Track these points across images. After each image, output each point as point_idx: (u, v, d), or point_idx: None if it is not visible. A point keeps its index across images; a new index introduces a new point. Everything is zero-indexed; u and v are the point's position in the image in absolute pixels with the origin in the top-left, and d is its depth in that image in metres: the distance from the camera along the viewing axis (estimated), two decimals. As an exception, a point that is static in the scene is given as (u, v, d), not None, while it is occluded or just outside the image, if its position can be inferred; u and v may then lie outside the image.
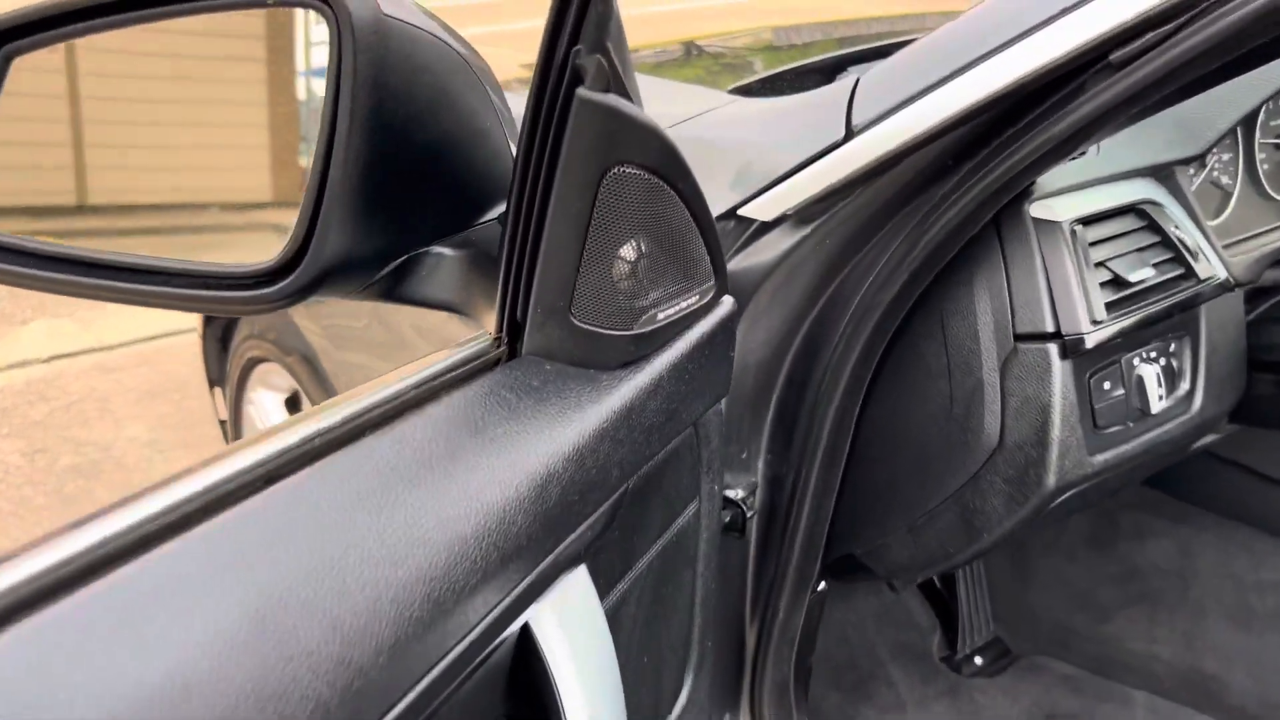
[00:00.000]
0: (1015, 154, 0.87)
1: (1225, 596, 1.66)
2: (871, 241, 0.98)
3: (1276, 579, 1.65)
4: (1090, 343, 1.04)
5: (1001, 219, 1.05)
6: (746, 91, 1.19)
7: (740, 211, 0.99)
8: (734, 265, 1.03)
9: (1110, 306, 1.07)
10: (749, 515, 1.09)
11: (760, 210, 0.98)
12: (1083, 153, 1.19)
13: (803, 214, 0.98)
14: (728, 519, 1.09)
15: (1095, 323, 1.05)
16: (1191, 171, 1.37)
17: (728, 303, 0.76)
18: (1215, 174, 1.46)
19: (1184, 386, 1.22)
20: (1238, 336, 1.32)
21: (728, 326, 0.76)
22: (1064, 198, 1.10)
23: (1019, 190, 0.92)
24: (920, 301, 1.01)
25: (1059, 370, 1.04)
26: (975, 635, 1.74)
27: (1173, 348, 1.20)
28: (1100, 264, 1.09)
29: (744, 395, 1.09)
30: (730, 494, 1.10)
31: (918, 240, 0.94)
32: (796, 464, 1.10)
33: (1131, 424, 1.14)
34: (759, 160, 0.99)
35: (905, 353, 1.07)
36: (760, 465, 1.13)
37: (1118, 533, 1.79)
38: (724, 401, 0.85)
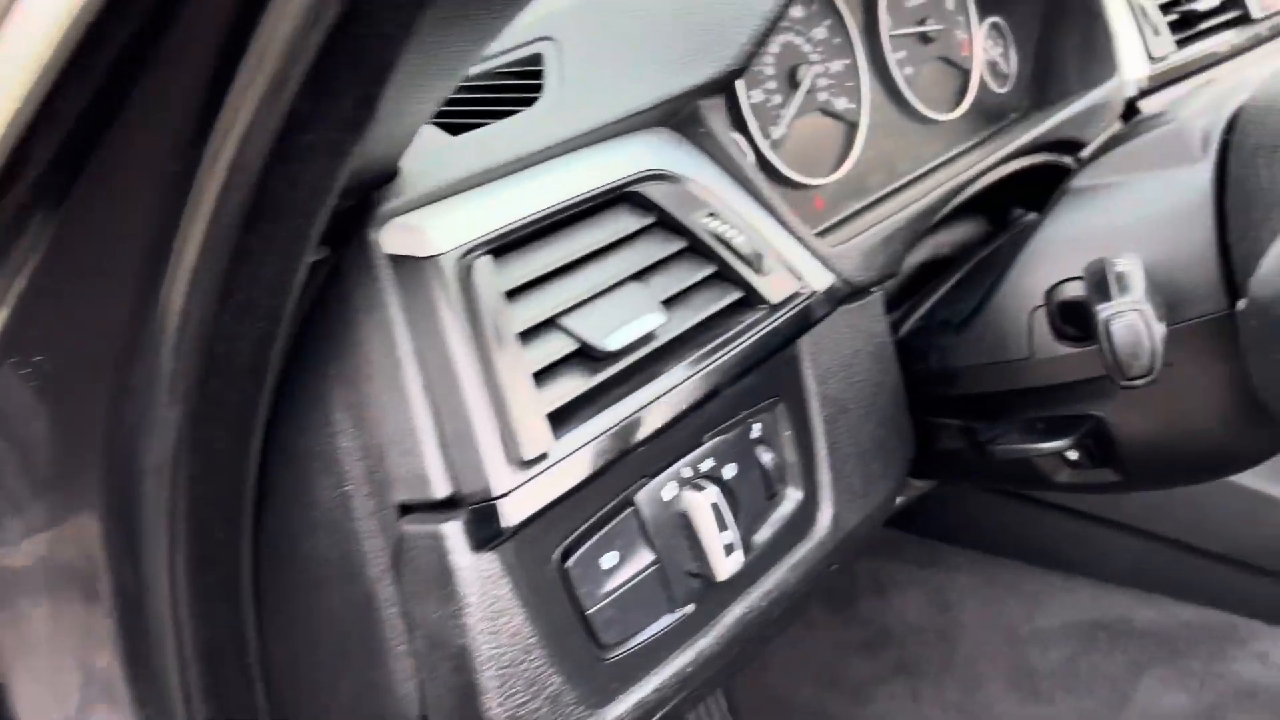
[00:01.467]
0: (269, 114, 0.39)
1: (999, 655, 1.28)
2: None
3: (1057, 624, 1.26)
4: (516, 509, 0.53)
5: (343, 262, 0.54)
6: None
7: None
8: None
9: (571, 410, 0.57)
10: None
11: None
12: (536, 96, 0.67)
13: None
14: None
15: (526, 463, 0.53)
16: (754, 98, 0.84)
17: None
18: (827, 96, 0.91)
19: (792, 494, 0.70)
20: (882, 373, 0.80)
21: None
22: (459, 202, 0.58)
23: (348, 202, 0.43)
24: (272, 432, 0.52)
25: (472, 575, 0.53)
26: (711, 734, 1.36)
27: (756, 432, 0.68)
28: (541, 328, 0.58)
29: None
30: None
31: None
32: None
33: (691, 608, 0.62)
34: None
35: (273, 535, 0.57)
36: None
37: (855, 586, 1.36)
38: None
